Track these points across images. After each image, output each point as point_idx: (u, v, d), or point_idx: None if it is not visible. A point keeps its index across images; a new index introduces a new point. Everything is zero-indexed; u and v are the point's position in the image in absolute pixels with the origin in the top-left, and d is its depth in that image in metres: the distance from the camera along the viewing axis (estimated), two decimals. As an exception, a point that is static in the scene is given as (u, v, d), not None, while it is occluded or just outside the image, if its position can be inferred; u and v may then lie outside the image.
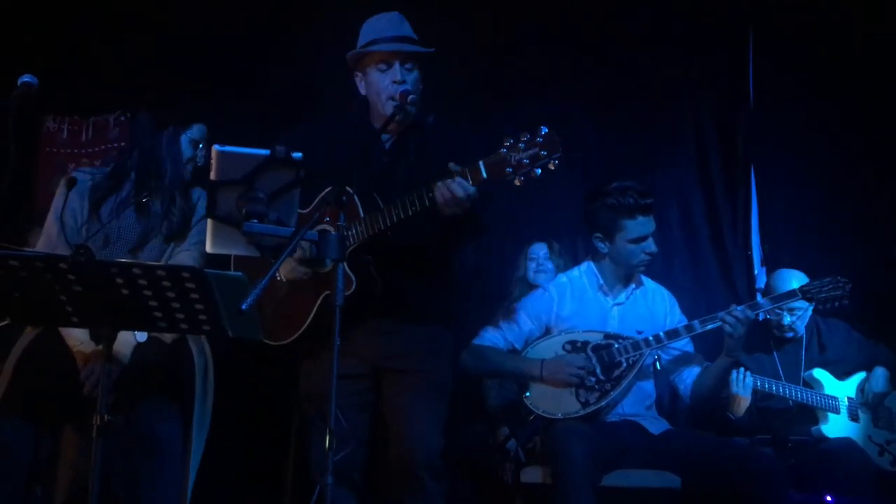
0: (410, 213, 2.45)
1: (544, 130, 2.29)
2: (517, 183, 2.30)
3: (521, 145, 2.29)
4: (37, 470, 2.73)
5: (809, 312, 3.58)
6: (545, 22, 4.47)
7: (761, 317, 3.64)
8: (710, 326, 3.09)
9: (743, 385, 3.34)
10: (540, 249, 4.14)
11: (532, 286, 4.10)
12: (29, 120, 4.51)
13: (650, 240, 3.14)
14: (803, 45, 4.31)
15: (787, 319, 3.54)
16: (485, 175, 2.34)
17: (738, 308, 3.03)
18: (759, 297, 3.27)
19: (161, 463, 2.64)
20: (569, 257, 4.18)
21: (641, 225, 3.11)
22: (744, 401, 3.36)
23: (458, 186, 2.35)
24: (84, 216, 2.76)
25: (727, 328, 3.02)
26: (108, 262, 2.13)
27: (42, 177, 4.63)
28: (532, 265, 4.12)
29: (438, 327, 2.72)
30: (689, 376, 3.22)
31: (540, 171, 2.28)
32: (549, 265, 4.10)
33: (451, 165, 2.38)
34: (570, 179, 4.32)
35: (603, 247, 3.18)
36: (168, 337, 2.72)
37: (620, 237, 3.12)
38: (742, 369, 3.36)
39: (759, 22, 4.43)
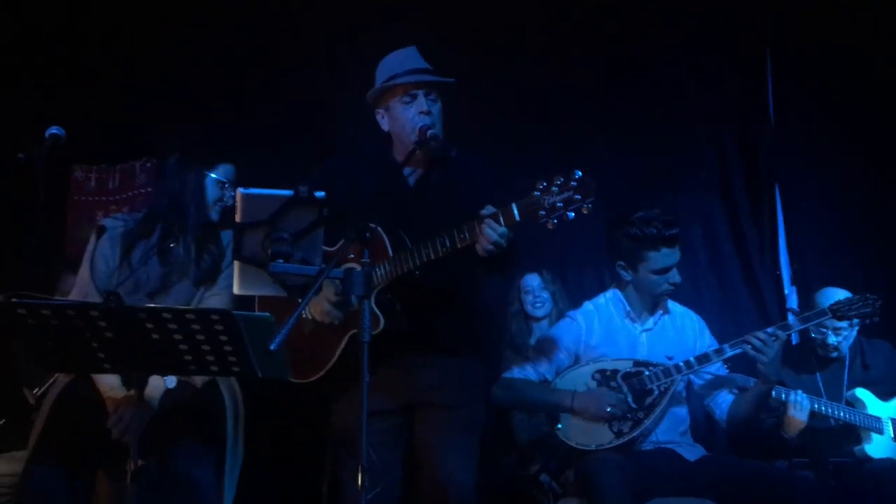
0: (441, 254, 2.45)
1: (578, 174, 2.27)
2: (549, 227, 2.29)
3: (555, 188, 2.27)
4: None
5: (854, 333, 3.53)
6: (563, 47, 4.50)
7: (794, 338, 3.60)
8: (740, 350, 3.05)
9: (800, 408, 3.29)
10: (533, 280, 4.12)
11: (530, 318, 4.10)
12: (57, 170, 4.60)
13: (674, 270, 3.09)
14: (820, 62, 4.30)
15: (832, 339, 3.49)
16: (518, 217, 2.33)
17: (762, 332, 2.99)
18: (789, 317, 3.23)
19: None
20: (561, 284, 4.15)
21: (665, 256, 3.05)
22: (800, 423, 3.32)
23: (492, 231, 2.35)
24: (115, 262, 2.81)
25: (752, 353, 2.98)
26: (137, 308, 2.15)
27: (71, 224, 4.72)
28: (528, 298, 4.10)
29: (468, 358, 2.72)
30: (724, 401, 3.18)
31: (573, 214, 2.27)
32: (545, 295, 4.09)
33: (486, 208, 2.38)
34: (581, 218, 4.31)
35: (626, 275, 3.15)
36: (198, 380, 2.74)
37: (643, 267, 3.08)
38: (800, 392, 3.31)
39: (776, 41, 4.43)
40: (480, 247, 2.38)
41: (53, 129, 2.54)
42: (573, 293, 4.17)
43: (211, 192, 2.87)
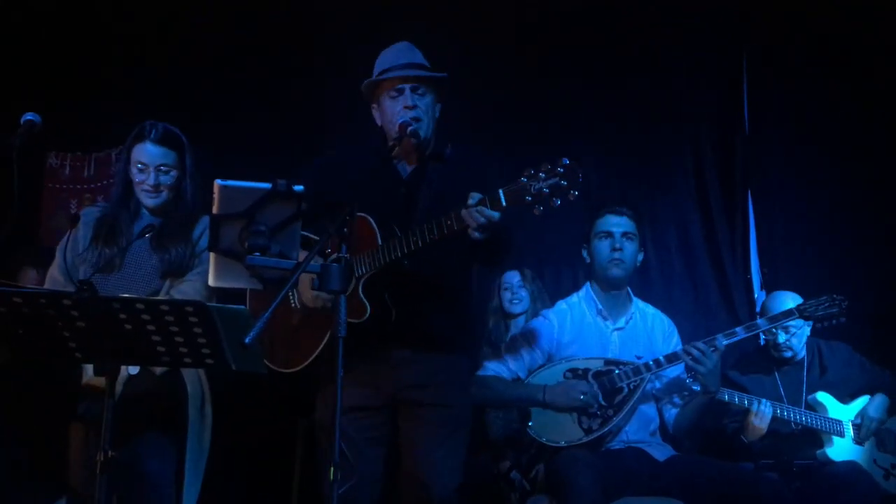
0: (428, 241, 2.44)
1: (566, 161, 2.27)
2: (536, 213, 2.29)
3: (542, 175, 2.28)
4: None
5: (807, 332, 3.56)
6: (542, 51, 4.52)
7: (762, 339, 3.64)
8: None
9: (762, 417, 3.33)
10: (513, 277, 4.14)
11: (508, 315, 4.13)
12: (32, 157, 4.54)
13: (617, 238, 3.20)
14: (796, 68, 4.35)
15: (782, 338, 3.52)
16: (504, 203, 2.33)
17: (700, 342, 3.04)
18: (758, 320, 3.26)
19: (151, 500, 2.61)
20: (541, 283, 4.19)
21: (606, 220, 3.23)
22: (760, 430, 3.36)
23: (478, 213, 2.34)
24: (86, 244, 2.76)
25: (691, 363, 3.03)
26: (110, 298, 2.14)
27: (45, 213, 4.67)
28: (507, 295, 4.13)
29: (457, 356, 2.70)
30: (675, 407, 3.23)
31: (560, 201, 2.27)
32: (523, 293, 4.12)
33: (472, 196, 2.37)
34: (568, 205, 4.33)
35: (586, 256, 3.28)
36: (158, 368, 2.70)
37: (593, 237, 3.24)
38: (764, 400, 3.36)
39: (753, 46, 4.48)
40: (470, 230, 2.36)
41: (29, 116, 2.50)
42: (550, 292, 4.19)
43: (134, 175, 2.80)
